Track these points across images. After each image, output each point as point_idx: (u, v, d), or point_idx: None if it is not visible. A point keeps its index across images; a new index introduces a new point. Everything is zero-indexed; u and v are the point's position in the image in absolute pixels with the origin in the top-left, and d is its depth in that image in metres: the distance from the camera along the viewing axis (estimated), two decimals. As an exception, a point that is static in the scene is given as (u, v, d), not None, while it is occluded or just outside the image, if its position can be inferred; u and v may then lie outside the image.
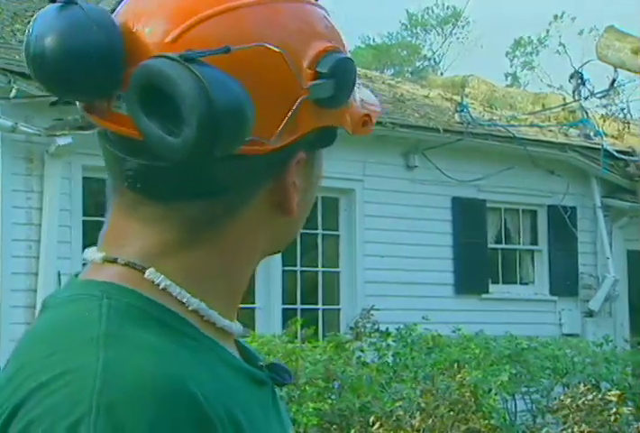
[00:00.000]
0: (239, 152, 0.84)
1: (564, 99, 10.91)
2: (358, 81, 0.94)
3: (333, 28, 0.91)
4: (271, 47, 0.84)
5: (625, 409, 6.52)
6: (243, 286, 0.93)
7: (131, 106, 0.82)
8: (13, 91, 6.51)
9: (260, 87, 0.84)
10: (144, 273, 0.86)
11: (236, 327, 0.91)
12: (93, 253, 0.90)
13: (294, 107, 0.85)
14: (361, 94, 0.95)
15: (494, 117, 9.80)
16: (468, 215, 9.06)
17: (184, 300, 0.86)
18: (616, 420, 6.41)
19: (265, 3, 0.87)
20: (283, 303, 8.19)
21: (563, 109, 10.52)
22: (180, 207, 0.87)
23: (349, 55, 0.90)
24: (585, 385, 6.81)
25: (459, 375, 6.46)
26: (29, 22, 0.88)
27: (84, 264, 0.93)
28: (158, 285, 0.86)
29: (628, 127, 10.46)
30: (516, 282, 9.63)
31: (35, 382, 0.77)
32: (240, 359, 0.91)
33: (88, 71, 0.83)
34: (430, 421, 6.03)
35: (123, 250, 0.88)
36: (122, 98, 0.84)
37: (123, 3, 0.89)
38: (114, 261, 0.87)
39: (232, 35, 0.84)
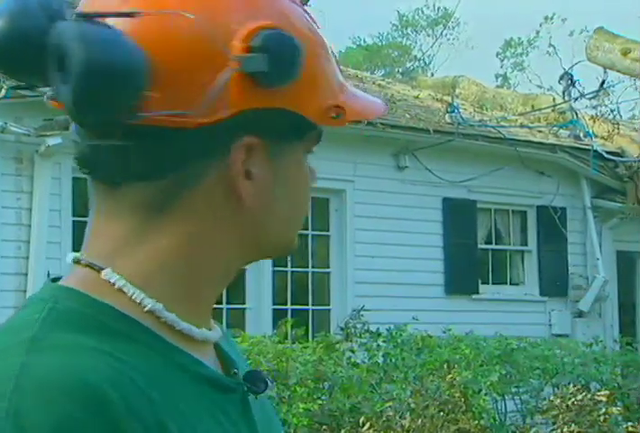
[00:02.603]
0: (166, 124, 0.83)
1: (554, 100, 10.93)
2: (342, 79, 0.92)
3: (283, 12, 0.89)
4: (185, 14, 0.82)
5: (614, 410, 6.55)
6: (214, 286, 0.90)
7: (51, 73, 0.82)
8: (3, 91, 6.50)
9: (173, 55, 0.82)
10: (101, 274, 0.85)
11: (200, 331, 0.88)
12: (70, 255, 0.90)
13: (220, 78, 0.83)
14: (353, 92, 0.93)
15: (484, 118, 9.81)
16: (458, 215, 9.07)
17: (138, 301, 0.84)
18: (605, 420, 6.44)
19: None
20: (273, 304, 8.19)
21: (553, 110, 10.55)
22: (129, 193, 0.85)
23: (292, 34, 0.86)
24: (575, 385, 6.83)
25: (449, 376, 6.47)
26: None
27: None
28: (113, 285, 0.85)
29: (618, 128, 10.48)
30: (506, 283, 9.65)
31: None
32: (205, 365, 0.88)
33: (35, 53, 0.83)
34: (420, 422, 6.04)
35: (90, 249, 0.88)
36: None
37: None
38: (79, 262, 0.87)
39: (151, 4, 0.84)
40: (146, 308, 0.85)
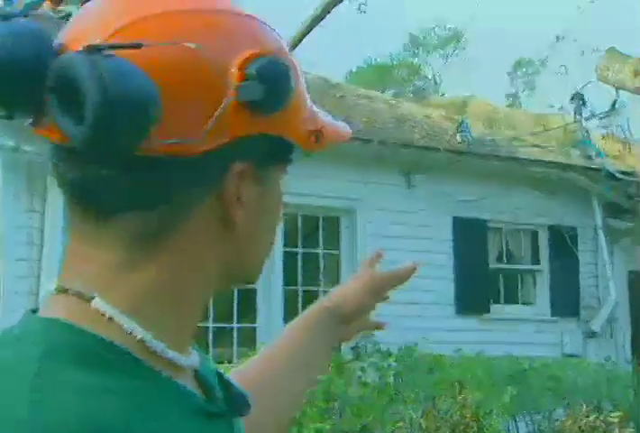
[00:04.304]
0: (165, 154, 0.82)
1: (565, 120, 10.94)
2: (313, 104, 0.93)
3: (272, 40, 0.90)
4: (189, 44, 0.83)
5: (626, 431, 6.49)
6: (195, 315, 0.90)
7: (51, 104, 0.81)
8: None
9: (177, 84, 0.82)
10: (91, 303, 0.84)
11: (185, 359, 0.88)
12: (51, 283, 0.89)
13: (220, 107, 0.83)
14: (324, 116, 0.94)
15: (495, 138, 9.82)
16: (469, 234, 9.06)
17: (129, 331, 0.84)
18: (617, 442, 6.38)
19: (200, 11, 0.87)
20: (284, 322, 8.17)
21: (564, 130, 10.55)
22: (119, 223, 0.84)
23: (285, 62, 0.87)
24: (587, 406, 6.78)
25: (460, 396, 6.44)
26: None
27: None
28: (104, 315, 0.83)
29: (629, 148, 10.48)
30: (517, 302, 9.62)
31: None
32: (192, 392, 0.88)
33: (21, 85, 0.82)
34: (431, 442, 6.00)
35: (75, 277, 0.87)
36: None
37: (64, 28, 0.88)
38: (66, 291, 0.86)
39: (153, 35, 0.83)
40: (137, 338, 0.84)
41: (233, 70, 0.84)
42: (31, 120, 0.87)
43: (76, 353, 0.80)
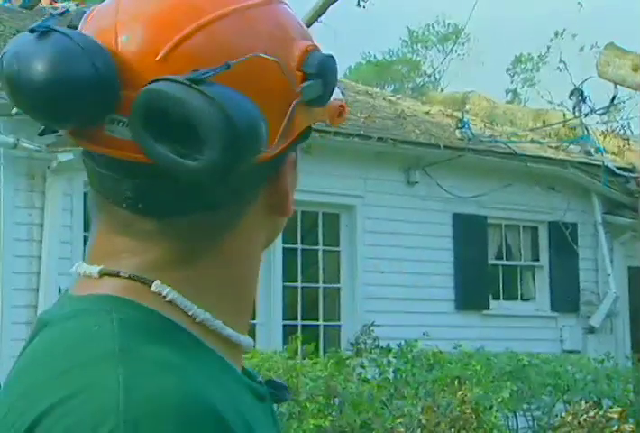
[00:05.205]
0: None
1: (565, 116, 10.93)
2: None
3: (302, 24, 0.92)
4: (266, 56, 0.84)
5: (626, 427, 6.50)
6: (250, 293, 0.92)
7: (137, 132, 0.81)
8: (15, 108, 6.53)
9: (262, 97, 0.83)
10: (149, 286, 0.84)
11: (244, 338, 0.90)
12: (87, 268, 0.87)
13: (290, 112, 0.85)
14: None
15: (495, 134, 9.82)
16: (469, 231, 9.06)
17: (190, 312, 0.85)
18: (617, 437, 6.39)
19: (236, 12, 0.86)
20: (284, 319, 8.18)
21: (564, 126, 10.55)
22: (177, 222, 0.85)
23: (326, 52, 0.90)
24: (586, 402, 6.79)
25: (460, 392, 6.44)
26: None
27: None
28: (164, 297, 0.84)
29: (628, 144, 10.48)
30: (517, 298, 9.62)
31: (51, 399, 0.75)
32: (241, 374, 0.91)
33: (84, 99, 0.81)
34: (431, 438, 6.01)
35: (120, 264, 0.85)
36: (116, 122, 0.83)
37: (84, 19, 0.87)
38: (116, 274, 0.85)
39: (219, 50, 0.83)
40: (197, 320, 0.85)
41: (296, 72, 0.86)
42: (68, 132, 0.87)
43: (146, 329, 0.81)
